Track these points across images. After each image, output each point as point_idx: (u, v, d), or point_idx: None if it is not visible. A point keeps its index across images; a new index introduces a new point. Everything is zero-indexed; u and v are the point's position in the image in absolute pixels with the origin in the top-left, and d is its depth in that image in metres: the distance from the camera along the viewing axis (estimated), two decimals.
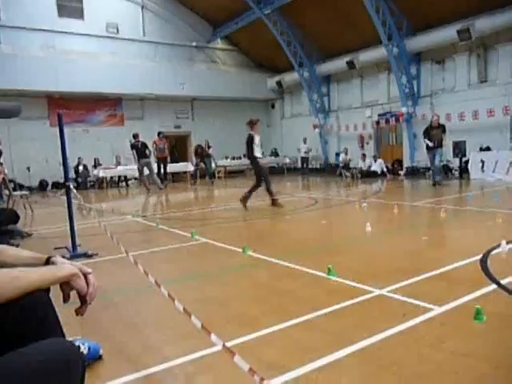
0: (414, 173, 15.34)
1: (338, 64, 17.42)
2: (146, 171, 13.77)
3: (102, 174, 16.17)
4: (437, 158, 11.00)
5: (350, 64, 16.51)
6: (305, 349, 2.34)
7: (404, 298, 3.01)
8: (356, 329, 2.56)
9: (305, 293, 3.30)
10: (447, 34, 13.67)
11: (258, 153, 8.36)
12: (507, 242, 4.28)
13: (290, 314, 2.81)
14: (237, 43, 20.99)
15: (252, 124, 8.57)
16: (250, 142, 8.35)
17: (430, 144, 10.86)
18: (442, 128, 11.00)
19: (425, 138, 11.12)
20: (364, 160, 16.42)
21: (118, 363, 2.29)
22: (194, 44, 19.88)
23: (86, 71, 16.19)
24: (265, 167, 8.78)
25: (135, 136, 13.93)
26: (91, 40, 17.38)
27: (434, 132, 10.92)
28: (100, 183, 16.40)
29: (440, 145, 10.91)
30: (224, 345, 1.69)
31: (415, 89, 15.63)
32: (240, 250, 4.69)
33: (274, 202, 8.26)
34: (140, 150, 13.58)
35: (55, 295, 1.36)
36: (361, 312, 2.86)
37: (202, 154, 16.53)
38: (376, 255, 4.51)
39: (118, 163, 17.04)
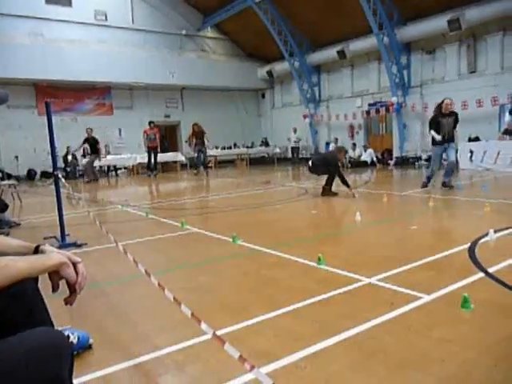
0: (404, 162, 15.44)
1: (329, 53, 17.37)
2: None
3: None
4: (451, 154, 8.39)
5: (341, 53, 16.47)
6: (294, 337, 2.36)
7: (393, 287, 3.04)
8: (345, 317, 2.59)
9: (295, 282, 3.32)
10: (437, 23, 13.69)
11: None
12: (495, 231, 4.34)
13: (280, 302, 2.83)
14: (227, 32, 20.78)
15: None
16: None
17: (438, 137, 8.15)
18: (455, 116, 8.34)
19: (431, 129, 8.38)
20: (354, 149, 16.48)
21: (107, 352, 2.29)
22: (183, 32, 19.64)
23: (74, 59, 15.92)
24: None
25: (90, 130, 14.16)
26: (79, 27, 17.06)
27: (445, 121, 8.22)
28: None
29: (452, 138, 8.34)
30: (214, 333, 1.69)
31: (405, 79, 15.67)
32: (230, 239, 4.70)
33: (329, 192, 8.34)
34: (92, 144, 14.09)
35: (44, 285, 1.35)
36: (350, 300, 2.88)
37: (202, 134, 15.10)
38: (366, 244, 4.54)
39: (108, 153, 16.88)
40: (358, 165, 15.50)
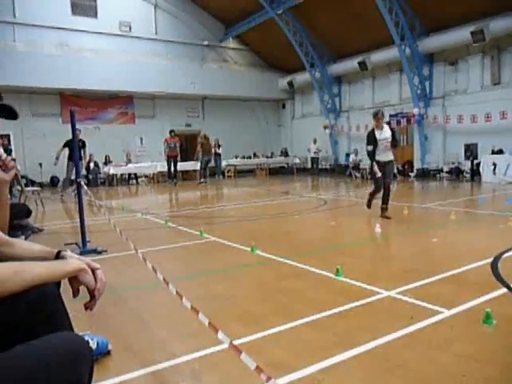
0: (425, 174, 15.22)
1: (350, 64, 17.34)
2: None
3: (112, 171, 16.29)
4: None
5: (362, 65, 16.43)
6: (311, 349, 2.34)
7: (412, 300, 2.99)
8: (363, 330, 2.55)
9: (312, 293, 3.30)
10: (461, 35, 13.54)
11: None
12: None
13: (297, 313, 2.81)
14: (248, 43, 21.00)
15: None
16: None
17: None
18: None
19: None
20: None
21: (126, 359, 2.31)
22: (205, 43, 19.94)
23: (98, 69, 16.31)
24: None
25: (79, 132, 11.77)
26: (104, 38, 17.51)
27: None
28: (110, 180, 16.52)
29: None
30: (231, 343, 1.69)
31: (427, 90, 15.50)
32: (248, 248, 4.70)
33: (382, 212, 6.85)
34: (71, 148, 10.89)
35: (65, 289, 1.38)
36: (368, 313, 2.85)
37: (209, 145, 15.65)
38: (385, 257, 4.48)
39: (129, 161, 17.15)
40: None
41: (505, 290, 3.14)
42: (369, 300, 3.04)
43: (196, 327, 2.30)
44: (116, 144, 17.64)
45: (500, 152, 12.92)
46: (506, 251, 4.19)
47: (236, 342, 2.37)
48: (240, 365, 1.72)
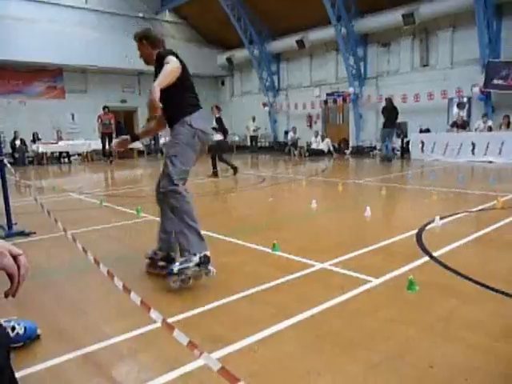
0: (359, 152, 15.84)
1: (288, 42, 17.43)
2: None
3: (41, 149, 15.36)
4: None
5: (300, 43, 16.57)
6: (248, 322, 2.39)
7: (344, 271, 3.14)
8: (298, 301, 2.65)
9: (249, 268, 3.35)
10: (393, 17, 14.04)
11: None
12: (440, 218, 4.56)
13: (235, 288, 2.85)
14: (186, 16, 20.35)
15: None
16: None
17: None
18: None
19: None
20: (316, 137, 16.57)
21: (56, 342, 2.23)
22: (140, 15, 19.04)
23: (22, 39, 15.08)
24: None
25: None
26: (28, 5, 16.14)
27: None
28: (39, 159, 15.56)
29: None
30: (164, 320, 1.68)
31: (362, 70, 15.99)
32: None
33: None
34: None
35: None
36: (303, 285, 2.95)
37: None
38: (320, 231, 4.64)
39: (60, 138, 16.22)
40: (316, 153, 15.74)
41: (427, 258, 3.39)
42: (303, 273, 3.15)
43: (130, 307, 2.26)
44: (45, 120, 16.58)
45: (427, 131, 13.73)
46: (429, 223, 4.50)
47: (174, 319, 2.38)
48: (175, 342, 1.73)
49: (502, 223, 4.52)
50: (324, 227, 4.85)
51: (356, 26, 15.15)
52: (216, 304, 2.63)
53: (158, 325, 1.99)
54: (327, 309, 2.53)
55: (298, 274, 3.11)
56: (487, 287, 2.77)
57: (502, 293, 2.68)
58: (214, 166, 9.74)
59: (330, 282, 3.00)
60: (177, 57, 2.93)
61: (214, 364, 1.38)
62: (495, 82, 12.29)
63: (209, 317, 2.49)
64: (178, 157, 2.94)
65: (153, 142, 17.18)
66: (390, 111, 12.82)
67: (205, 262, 2.88)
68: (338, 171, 11.56)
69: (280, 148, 18.32)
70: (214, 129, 9.42)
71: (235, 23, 17.78)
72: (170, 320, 2.08)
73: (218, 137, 9.61)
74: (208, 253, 2.91)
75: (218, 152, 9.70)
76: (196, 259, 2.84)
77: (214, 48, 20.88)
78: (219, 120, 9.66)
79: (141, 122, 18.87)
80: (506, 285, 2.79)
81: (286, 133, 18.22)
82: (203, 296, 2.77)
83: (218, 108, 9.99)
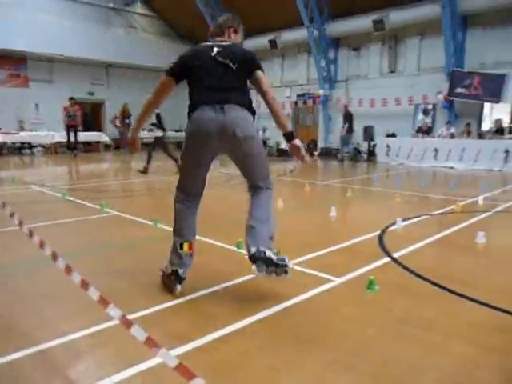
0: (328, 153, 16.06)
1: (260, 41, 17.39)
2: None
3: (1, 139, 14.74)
4: None
5: (273, 43, 16.61)
6: (210, 319, 2.39)
7: (308, 270, 3.18)
8: (262, 299, 2.66)
9: (214, 266, 3.34)
10: (364, 22, 14.28)
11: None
12: (402, 220, 4.69)
13: (198, 285, 2.83)
14: (158, 9, 20.01)
15: None
16: None
17: None
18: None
19: None
20: None
21: (8, 340, 2.15)
22: (110, 5, 18.57)
23: None
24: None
25: None
26: None
27: None
28: None
29: None
30: (123, 316, 1.65)
31: (332, 73, 16.22)
32: (151, 222, 4.60)
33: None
34: None
35: None
36: (266, 283, 2.96)
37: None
38: (286, 230, 4.67)
39: (22, 128, 15.63)
40: (285, 154, 15.84)
41: (388, 259, 3.48)
42: None
43: (89, 303, 2.20)
44: (6, 109, 15.89)
45: (393, 135, 14.08)
46: (391, 225, 4.62)
47: (135, 316, 2.35)
48: (134, 338, 1.70)
49: (460, 226, 4.70)
50: (290, 226, 4.88)
51: (328, 29, 15.35)
52: (178, 301, 2.61)
53: (117, 321, 1.95)
54: (289, 307, 2.56)
55: None
56: (443, 288, 2.87)
57: (457, 293, 2.78)
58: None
59: (294, 280, 3.02)
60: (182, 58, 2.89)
61: (171, 360, 1.37)
62: (459, 90, 12.74)
63: (170, 314, 2.47)
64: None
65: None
66: (349, 118, 13.57)
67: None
68: (305, 172, 11.67)
69: None
70: (153, 125, 10.14)
71: (208, 19, 17.63)
72: (130, 317, 2.04)
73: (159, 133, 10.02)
74: None
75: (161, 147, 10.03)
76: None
77: (187, 43, 20.59)
78: (158, 116, 9.83)
79: (109, 114, 18.45)
80: (461, 286, 2.90)
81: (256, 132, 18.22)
82: (165, 293, 2.74)
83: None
